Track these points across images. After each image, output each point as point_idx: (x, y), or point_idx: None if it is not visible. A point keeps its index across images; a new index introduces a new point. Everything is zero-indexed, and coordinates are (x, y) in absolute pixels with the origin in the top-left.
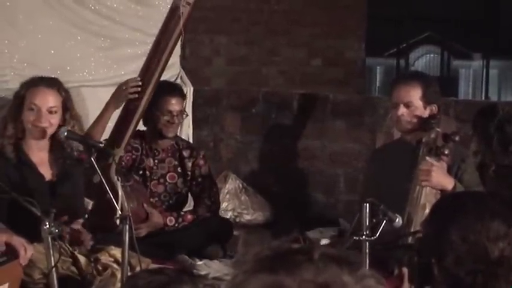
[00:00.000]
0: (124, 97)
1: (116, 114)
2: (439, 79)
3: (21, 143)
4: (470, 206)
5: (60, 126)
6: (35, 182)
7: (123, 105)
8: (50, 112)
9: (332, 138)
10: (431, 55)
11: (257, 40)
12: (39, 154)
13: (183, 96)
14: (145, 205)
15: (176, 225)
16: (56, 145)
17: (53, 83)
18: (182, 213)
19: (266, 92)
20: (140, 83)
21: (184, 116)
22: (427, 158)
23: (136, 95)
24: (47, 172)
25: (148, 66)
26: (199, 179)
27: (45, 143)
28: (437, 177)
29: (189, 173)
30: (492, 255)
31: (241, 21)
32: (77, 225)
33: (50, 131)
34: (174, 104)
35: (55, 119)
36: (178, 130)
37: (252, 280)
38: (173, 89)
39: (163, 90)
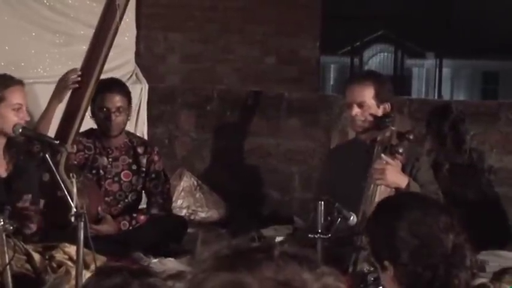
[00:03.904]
0: (65, 89)
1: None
2: (393, 78)
3: None
4: (415, 203)
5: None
6: None
7: (67, 100)
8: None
9: (287, 136)
10: (385, 54)
11: (211, 38)
12: None
13: (123, 93)
14: (99, 208)
15: (130, 228)
16: (11, 142)
17: (21, 81)
18: (135, 215)
19: (220, 90)
20: (80, 73)
21: (126, 113)
22: (382, 156)
23: (77, 85)
24: (1, 169)
25: (89, 59)
26: (153, 175)
27: (1, 141)
28: (392, 176)
29: (144, 169)
30: (447, 246)
31: (196, 19)
32: (24, 203)
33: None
34: (110, 101)
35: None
36: (133, 128)
37: (212, 278)
38: (110, 86)
39: (100, 86)
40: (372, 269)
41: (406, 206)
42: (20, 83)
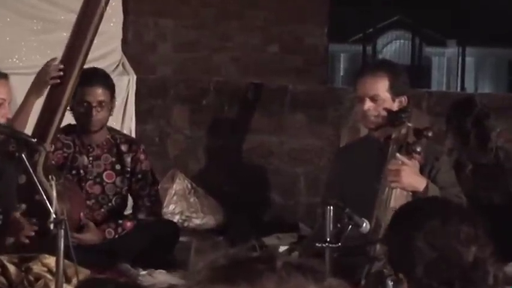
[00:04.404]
0: (45, 83)
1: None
2: (410, 68)
3: None
4: (435, 210)
5: None
6: None
7: (46, 93)
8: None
9: (291, 133)
10: (401, 41)
11: (207, 24)
12: None
13: (106, 86)
14: (82, 214)
15: (116, 236)
16: None
17: (5, 74)
18: (121, 221)
19: (217, 82)
20: (62, 67)
21: (108, 108)
22: (397, 156)
23: (59, 80)
24: None
25: (70, 48)
26: (139, 176)
27: None
28: (408, 178)
29: (129, 169)
30: (467, 259)
31: (190, 3)
32: (15, 213)
33: None
34: (91, 95)
35: None
36: (120, 124)
37: None
38: (92, 77)
39: (81, 78)
40: (392, 273)
41: (425, 213)
42: (4, 76)
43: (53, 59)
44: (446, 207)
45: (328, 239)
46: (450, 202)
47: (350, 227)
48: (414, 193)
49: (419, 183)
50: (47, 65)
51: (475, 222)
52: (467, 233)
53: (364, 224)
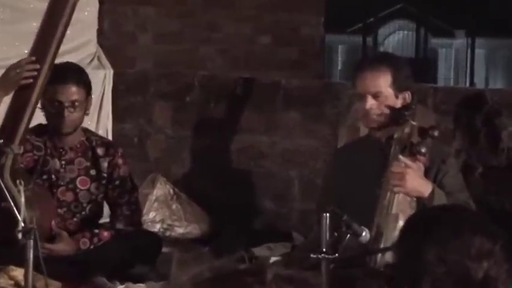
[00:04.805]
0: (15, 83)
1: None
2: (414, 61)
3: None
4: (446, 220)
5: None
6: None
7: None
8: None
9: (284, 133)
10: (405, 32)
11: (193, 12)
12: None
13: (80, 83)
14: (53, 223)
15: (91, 247)
16: None
17: None
18: (96, 231)
19: (203, 76)
20: (38, 66)
21: (83, 107)
22: (400, 157)
23: (31, 80)
24: None
25: (40, 40)
26: (117, 182)
27: None
28: (413, 182)
29: (105, 175)
30: (475, 276)
31: None
32: None
33: None
34: (63, 93)
35: None
36: (95, 123)
37: None
38: (64, 74)
39: (52, 74)
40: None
41: (437, 223)
42: None
43: (28, 59)
44: (460, 217)
45: (324, 249)
46: (464, 211)
47: (348, 236)
48: (419, 199)
49: (425, 187)
50: (20, 65)
51: (491, 235)
52: (480, 247)
53: (364, 233)
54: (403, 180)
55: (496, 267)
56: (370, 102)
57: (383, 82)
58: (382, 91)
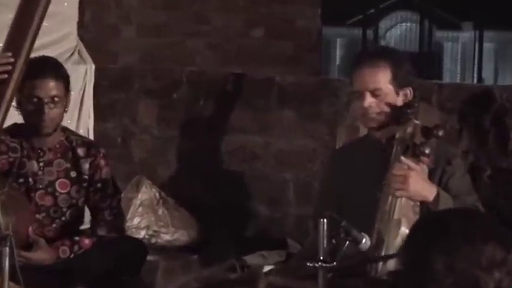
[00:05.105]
0: None
1: None
2: (418, 56)
3: None
4: (456, 225)
5: None
6: None
7: None
8: None
9: (279, 132)
10: (408, 24)
11: (180, 3)
12: None
13: (59, 78)
14: (30, 229)
15: (71, 255)
16: None
17: None
18: (77, 238)
19: (192, 72)
20: (12, 60)
21: (63, 104)
22: (402, 159)
23: (6, 76)
24: None
25: (15, 32)
26: (99, 185)
27: None
28: (416, 185)
29: (86, 177)
30: (485, 287)
31: None
32: None
33: None
34: (42, 89)
35: None
36: (76, 122)
37: None
38: (43, 68)
39: (29, 69)
40: None
41: (445, 230)
42: None
43: (1, 53)
44: (470, 222)
45: (321, 257)
46: (475, 215)
47: (347, 243)
48: (422, 203)
49: (429, 191)
50: None
51: (504, 242)
52: (492, 255)
53: (364, 240)
54: (405, 183)
55: (508, 278)
56: (369, 100)
57: (382, 78)
58: (382, 88)
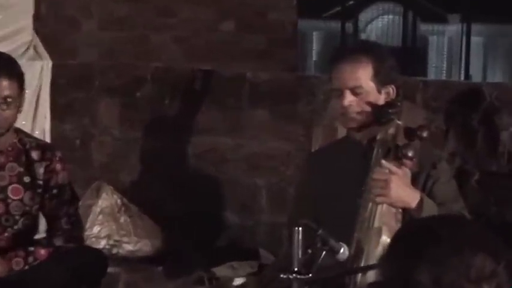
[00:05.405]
0: None
1: None
2: (401, 51)
3: None
4: (443, 235)
5: None
6: None
7: None
8: None
9: (251, 134)
10: (390, 17)
11: None
12: None
13: (13, 76)
14: None
15: (26, 267)
16: None
17: None
18: (31, 249)
19: (156, 69)
20: None
21: (16, 104)
22: (383, 162)
23: None
24: None
25: None
26: (54, 191)
27: None
28: (398, 190)
29: (41, 182)
30: None
31: None
32: None
33: None
34: None
35: None
36: (31, 123)
37: None
38: None
39: None
40: None
41: (431, 239)
42: None
43: None
44: (459, 230)
45: (296, 269)
46: (463, 223)
47: (324, 253)
48: (405, 210)
49: (412, 197)
50: None
51: (494, 252)
52: (481, 267)
53: (342, 250)
54: (386, 188)
55: None
56: (349, 98)
57: (363, 75)
58: (362, 85)
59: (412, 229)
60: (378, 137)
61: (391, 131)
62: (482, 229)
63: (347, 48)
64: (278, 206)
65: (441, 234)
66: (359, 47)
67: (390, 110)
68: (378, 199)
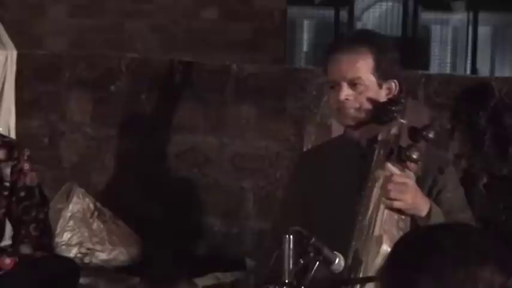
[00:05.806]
0: None
1: None
2: (401, 42)
3: None
4: (448, 245)
5: None
6: None
7: None
8: None
9: (235, 132)
10: (389, 4)
11: None
12: None
13: None
14: None
15: None
16: None
17: None
18: None
19: (132, 60)
20: None
21: None
22: (388, 165)
23: None
24: None
25: None
26: (22, 194)
27: None
28: (417, 196)
29: (8, 184)
30: None
31: None
32: None
33: None
34: None
35: None
36: None
37: None
38: None
39: None
40: None
41: (436, 249)
42: None
43: None
44: (465, 241)
45: (286, 280)
46: (470, 232)
47: (317, 263)
48: (413, 218)
49: (424, 203)
50: None
51: (504, 264)
52: (489, 280)
53: (337, 260)
54: (405, 193)
55: None
56: (346, 91)
57: (363, 66)
58: (362, 77)
59: (414, 238)
60: (379, 137)
61: (394, 130)
62: (490, 238)
63: (345, 37)
64: (266, 212)
65: (445, 244)
66: (359, 36)
67: (393, 108)
68: (396, 204)
